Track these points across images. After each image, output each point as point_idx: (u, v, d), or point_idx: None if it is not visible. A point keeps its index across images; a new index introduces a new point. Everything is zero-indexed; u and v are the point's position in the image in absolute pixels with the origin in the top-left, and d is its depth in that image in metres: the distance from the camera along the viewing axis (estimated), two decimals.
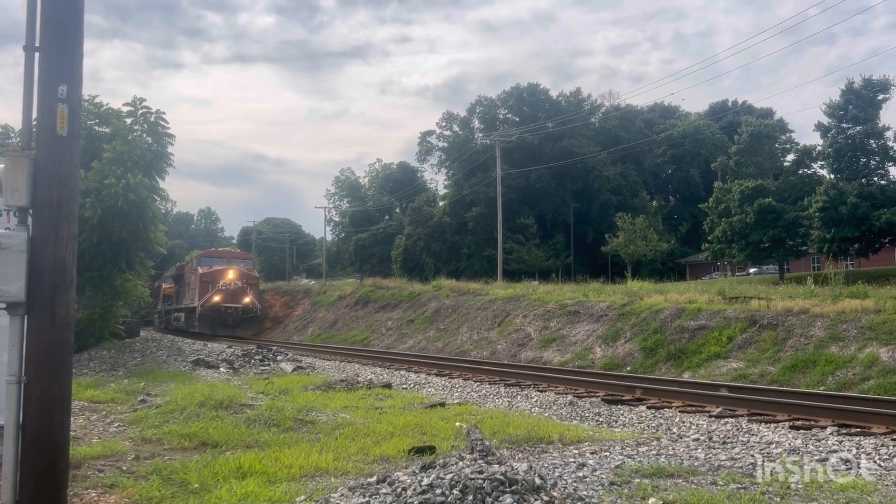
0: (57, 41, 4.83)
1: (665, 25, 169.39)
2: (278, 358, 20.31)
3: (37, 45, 4.86)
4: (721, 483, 5.92)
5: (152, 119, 19.03)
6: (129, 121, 18.95)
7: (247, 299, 39.29)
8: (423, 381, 15.45)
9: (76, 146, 4.92)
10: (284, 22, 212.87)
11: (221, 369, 17.84)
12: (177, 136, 19.46)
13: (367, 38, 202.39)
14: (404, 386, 14.95)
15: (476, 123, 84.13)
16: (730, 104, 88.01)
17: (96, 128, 20.56)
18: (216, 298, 38.35)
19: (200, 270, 40.07)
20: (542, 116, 77.01)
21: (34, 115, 4.91)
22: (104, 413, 10.35)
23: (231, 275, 39.48)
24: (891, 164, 45.36)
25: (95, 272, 18.53)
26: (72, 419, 5.30)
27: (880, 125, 44.78)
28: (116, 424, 9.38)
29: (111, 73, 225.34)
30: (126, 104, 19.14)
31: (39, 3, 4.85)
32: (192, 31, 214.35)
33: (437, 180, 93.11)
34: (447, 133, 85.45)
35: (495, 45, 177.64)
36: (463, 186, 75.11)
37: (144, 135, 18.92)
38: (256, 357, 20.19)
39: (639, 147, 77.22)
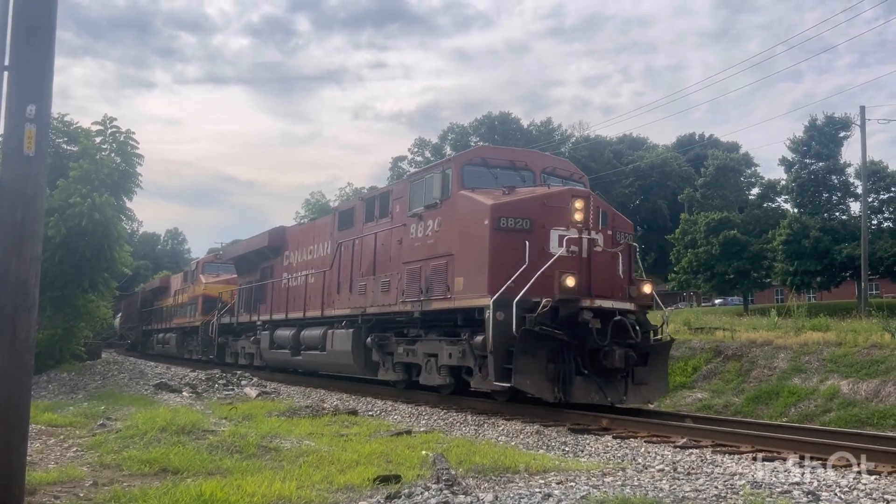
0: (27, 61, 4.79)
1: (637, 58, 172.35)
2: (242, 382, 20.00)
3: (6, 63, 4.81)
4: None
5: (122, 139, 18.84)
6: (97, 140, 18.75)
7: (646, 289, 12.87)
8: (390, 408, 15.31)
9: (43, 166, 4.86)
10: (259, 44, 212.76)
11: (184, 393, 17.52)
12: (146, 156, 19.31)
13: (341, 62, 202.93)
14: (370, 412, 14.81)
15: (448, 150, 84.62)
16: (697, 137, 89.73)
17: (64, 146, 20.29)
18: (569, 283, 11.39)
19: (486, 201, 12.25)
20: (512, 145, 77.79)
21: (0, 133, 4.86)
22: (62, 437, 10.09)
23: (579, 211, 11.89)
24: (851, 199, 46.53)
25: (57, 292, 18.16)
26: (28, 443, 5.17)
27: (842, 161, 45.98)
28: (74, 449, 9.15)
29: (81, 90, 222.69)
30: (95, 123, 18.96)
31: (10, 23, 4.81)
32: (166, 51, 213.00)
33: None
34: (419, 159, 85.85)
35: (469, 73, 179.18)
36: None
37: (113, 154, 18.71)
38: (220, 381, 19.86)
39: (607, 177, 78.23)
